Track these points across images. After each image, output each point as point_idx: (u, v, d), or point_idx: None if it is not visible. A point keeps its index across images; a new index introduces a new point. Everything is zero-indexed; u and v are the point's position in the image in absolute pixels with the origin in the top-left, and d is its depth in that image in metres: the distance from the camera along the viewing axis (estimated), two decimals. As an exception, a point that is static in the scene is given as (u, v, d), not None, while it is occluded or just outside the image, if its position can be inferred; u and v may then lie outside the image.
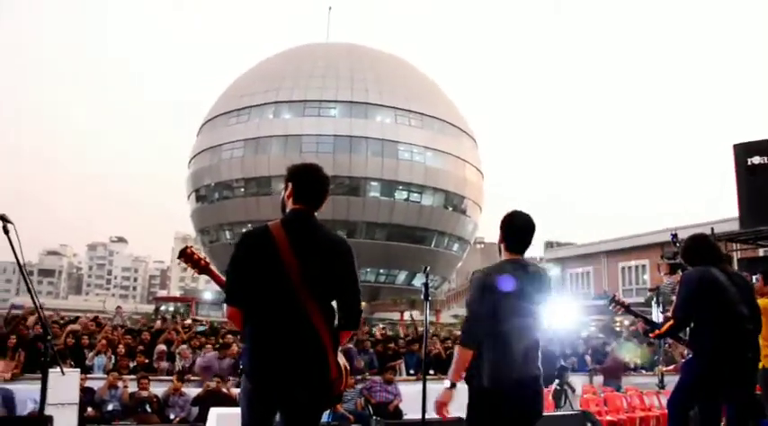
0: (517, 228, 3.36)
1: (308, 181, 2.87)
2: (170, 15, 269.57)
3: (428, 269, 4.48)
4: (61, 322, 13.30)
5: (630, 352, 14.94)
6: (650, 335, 4.64)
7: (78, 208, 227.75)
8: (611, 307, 4.79)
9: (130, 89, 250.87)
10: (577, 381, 10.76)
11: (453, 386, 3.20)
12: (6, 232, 2.64)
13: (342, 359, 2.82)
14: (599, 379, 12.97)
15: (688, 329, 4.30)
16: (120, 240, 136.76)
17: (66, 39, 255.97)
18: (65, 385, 4.08)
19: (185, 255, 3.09)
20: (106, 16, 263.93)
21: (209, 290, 55.65)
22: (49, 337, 2.87)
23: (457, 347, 3.25)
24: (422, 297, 4.25)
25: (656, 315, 6.08)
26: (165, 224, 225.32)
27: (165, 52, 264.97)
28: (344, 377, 2.80)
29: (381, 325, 20.13)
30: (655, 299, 6.28)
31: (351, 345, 10.62)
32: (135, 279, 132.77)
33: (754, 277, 5.28)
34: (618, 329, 22.21)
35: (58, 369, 2.92)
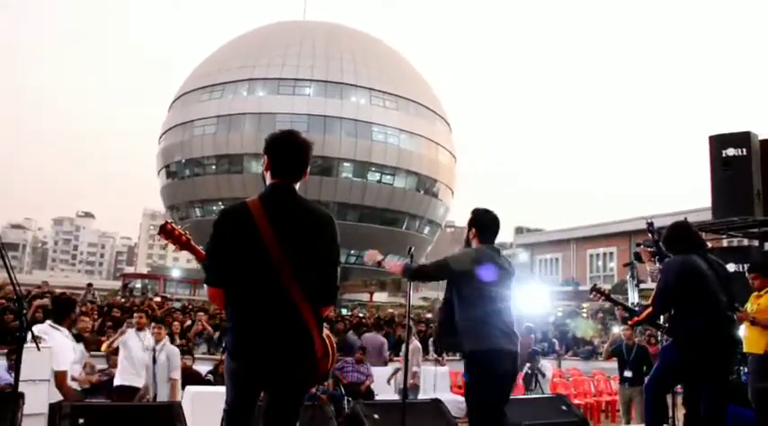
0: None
1: (284, 154, 2.76)
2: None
3: (412, 249, 4.46)
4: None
5: (583, 329, 17.27)
6: (629, 322, 4.68)
7: (45, 181, 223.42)
8: (591, 295, 4.83)
9: (98, 63, 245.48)
10: (547, 365, 10.89)
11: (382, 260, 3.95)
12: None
13: (328, 334, 2.79)
14: (567, 364, 13.20)
15: (663, 316, 4.35)
16: (88, 215, 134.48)
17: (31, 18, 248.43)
18: (37, 361, 3.96)
19: (165, 231, 2.99)
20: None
21: (177, 268, 55.15)
22: (24, 311, 2.77)
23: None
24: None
25: (632, 293, 6.16)
26: (133, 200, 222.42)
27: (135, 25, 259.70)
28: (332, 353, 2.77)
29: (353, 305, 20.36)
30: (630, 274, 6.34)
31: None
32: (102, 255, 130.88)
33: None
34: (584, 315, 22.72)
35: (33, 345, 2.80)
